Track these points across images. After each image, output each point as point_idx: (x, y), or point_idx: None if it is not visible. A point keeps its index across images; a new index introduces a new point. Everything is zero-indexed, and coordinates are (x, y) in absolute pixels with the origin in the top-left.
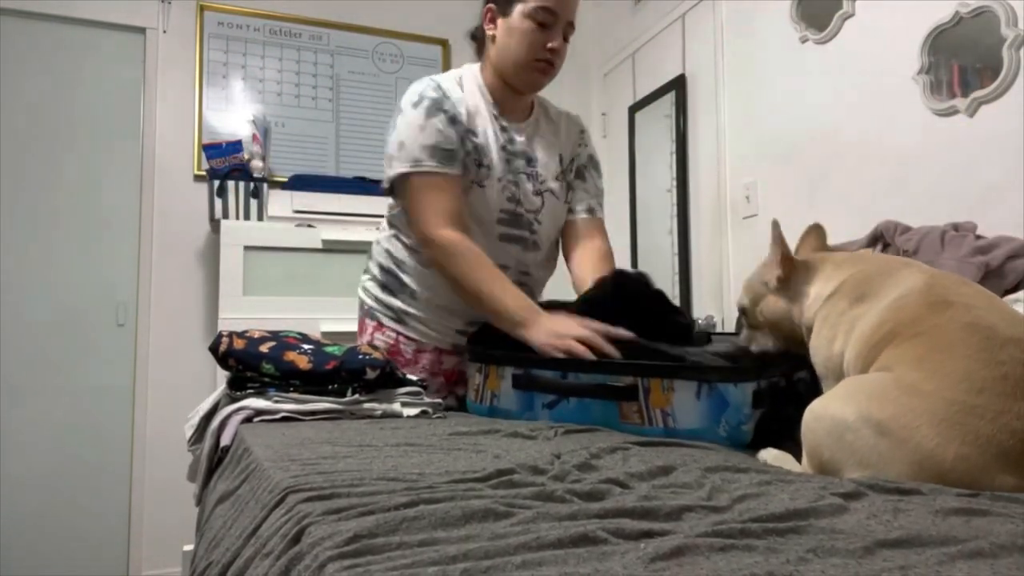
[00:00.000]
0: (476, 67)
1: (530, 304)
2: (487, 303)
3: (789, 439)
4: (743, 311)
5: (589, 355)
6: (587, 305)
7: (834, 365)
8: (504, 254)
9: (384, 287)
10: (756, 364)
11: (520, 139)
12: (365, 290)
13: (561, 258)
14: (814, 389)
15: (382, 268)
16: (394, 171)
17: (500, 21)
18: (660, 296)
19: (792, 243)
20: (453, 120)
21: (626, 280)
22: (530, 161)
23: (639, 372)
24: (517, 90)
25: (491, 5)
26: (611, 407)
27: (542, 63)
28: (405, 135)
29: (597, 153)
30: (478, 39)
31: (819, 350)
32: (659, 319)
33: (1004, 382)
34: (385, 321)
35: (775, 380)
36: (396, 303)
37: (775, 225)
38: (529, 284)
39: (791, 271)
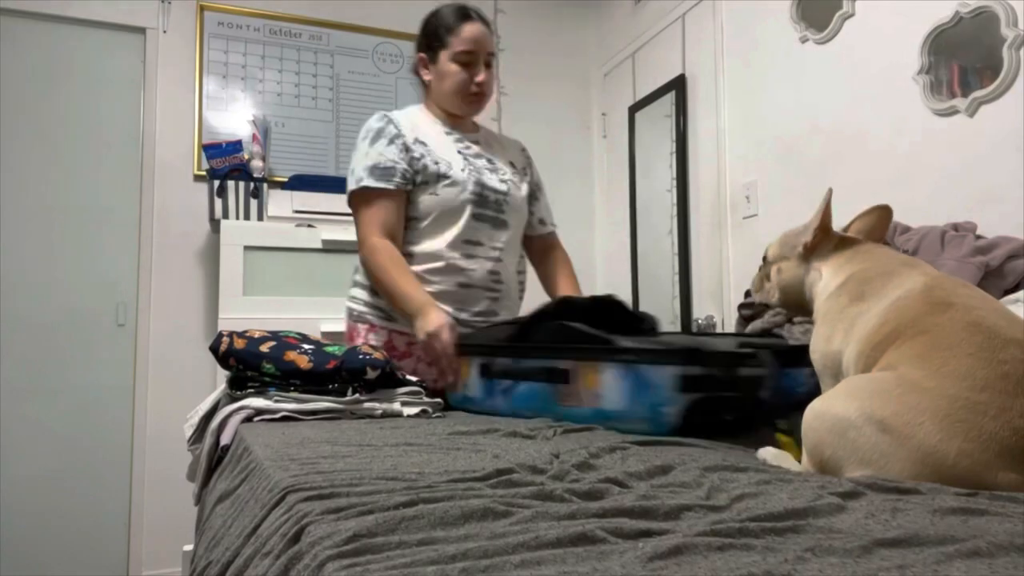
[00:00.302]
0: (421, 105)
1: (429, 298)
2: (394, 289)
3: (725, 432)
4: (765, 258)
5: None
6: (538, 315)
7: (831, 362)
8: (478, 232)
9: (372, 291)
10: (683, 350)
11: (475, 146)
12: (353, 298)
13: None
14: (754, 386)
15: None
16: (347, 193)
17: (431, 67)
18: (604, 299)
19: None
20: (394, 139)
21: (571, 299)
22: (489, 160)
23: (572, 355)
24: (459, 117)
25: (421, 55)
26: (553, 389)
27: (474, 96)
28: (354, 163)
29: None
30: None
31: (817, 346)
32: (607, 314)
33: (1006, 380)
34: (376, 321)
35: (710, 371)
36: (383, 303)
37: (827, 192)
38: (503, 260)
39: (820, 243)
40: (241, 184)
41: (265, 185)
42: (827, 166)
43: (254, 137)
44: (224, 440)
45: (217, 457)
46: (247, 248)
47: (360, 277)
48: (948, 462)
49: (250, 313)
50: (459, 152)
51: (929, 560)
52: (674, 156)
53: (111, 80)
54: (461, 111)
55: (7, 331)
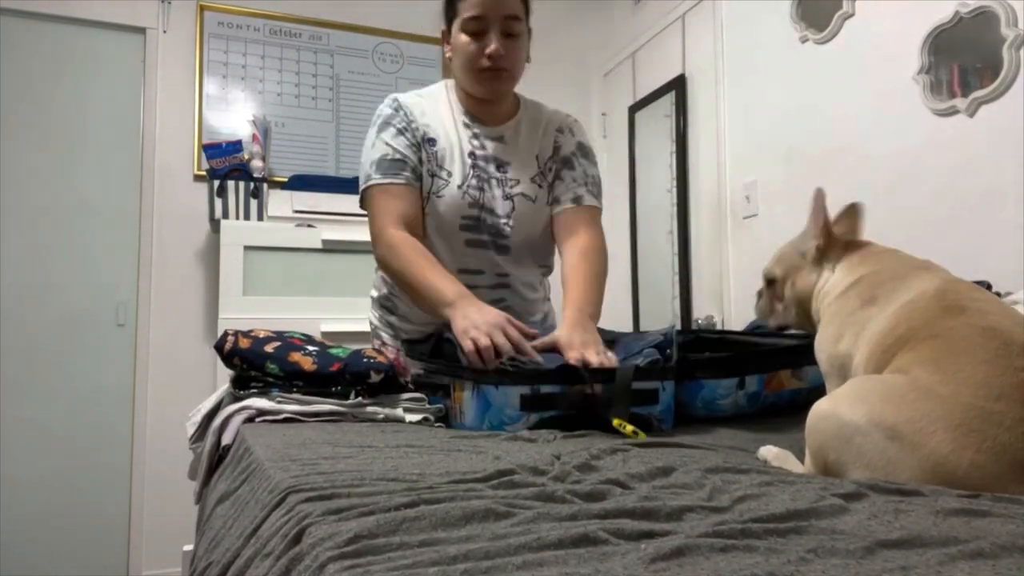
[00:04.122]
0: (449, 83)
1: (461, 289)
2: (420, 286)
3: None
4: (771, 281)
5: (491, 354)
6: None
7: (839, 364)
8: (474, 259)
9: (383, 308)
10: (528, 372)
11: (492, 145)
12: (371, 312)
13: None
14: (600, 404)
15: (380, 293)
16: (359, 194)
17: (450, 42)
18: None
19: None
20: (403, 131)
21: None
22: (501, 166)
23: (446, 372)
24: (483, 99)
25: (442, 28)
26: (445, 402)
27: (487, 71)
28: (363, 157)
29: (589, 142)
30: None
31: (824, 346)
32: None
33: (1022, 389)
34: (387, 339)
35: (557, 389)
36: (394, 320)
37: (819, 193)
38: (511, 285)
39: (830, 245)
40: (241, 184)
41: (265, 185)
42: (827, 166)
43: (254, 137)
44: (225, 440)
45: (218, 456)
46: (247, 248)
47: (374, 292)
48: (959, 473)
49: (250, 313)
50: (469, 155)
51: (932, 561)
52: (674, 156)
53: (111, 80)
54: (479, 92)
55: (7, 331)
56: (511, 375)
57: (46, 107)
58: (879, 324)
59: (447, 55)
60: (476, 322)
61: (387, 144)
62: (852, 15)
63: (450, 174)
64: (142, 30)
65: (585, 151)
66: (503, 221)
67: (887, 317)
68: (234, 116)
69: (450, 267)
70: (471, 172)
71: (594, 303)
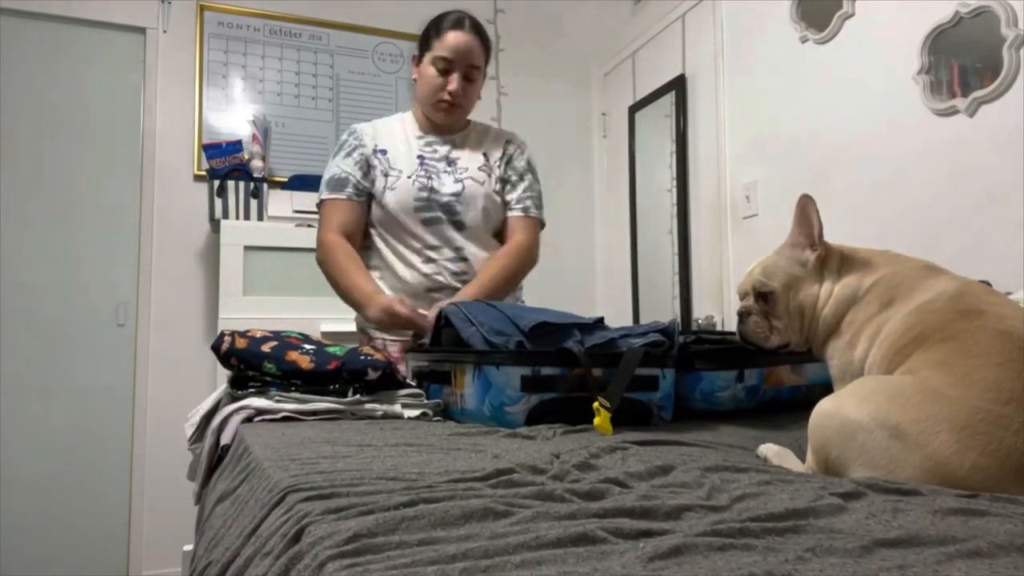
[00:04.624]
0: (410, 111)
1: (376, 288)
2: (344, 284)
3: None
4: (765, 297)
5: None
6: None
7: (854, 370)
8: (432, 235)
9: None
10: (524, 352)
11: (444, 148)
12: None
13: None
14: (602, 386)
15: None
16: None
17: (418, 67)
18: None
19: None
20: (352, 151)
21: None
22: (451, 162)
23: (449, 358)
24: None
25: (415, 53)
26: (445, 390)
27: (444, 103)
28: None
29: (533, 162)
30: None
31: (837, 354)
32: None
33: None
34: (371, 331)
35: (557, 372)
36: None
37: (810, 200)
38: (468, 259)
39: (829, 253)
40: (241, 184)
41: (265, 185)
42: (827, 166)
43: (254, 137)
44: (224, 440)
45: (217, 457)
46: (247, 248)
47: None
48: (960, 474)
49: (250, 313)
50: (419, 156)
51: (930, 560)
52: (674, 156)
53: (111, 80)
54: (432, 116)
55: (7, 331)
56: (512, 355)
57: (46, 107)
58: (895, 325)
59: (413, 77)
60: (384, 305)
61: (337, 166)
62: (852, 15)
63: (400, 171)
64: (142, 30)
65: (532, 169)
66: (454, 200)
67: (903, 318)
68: (234, 116)
69: (415, 246)
70: (419, 167)
71: (492, 290)
